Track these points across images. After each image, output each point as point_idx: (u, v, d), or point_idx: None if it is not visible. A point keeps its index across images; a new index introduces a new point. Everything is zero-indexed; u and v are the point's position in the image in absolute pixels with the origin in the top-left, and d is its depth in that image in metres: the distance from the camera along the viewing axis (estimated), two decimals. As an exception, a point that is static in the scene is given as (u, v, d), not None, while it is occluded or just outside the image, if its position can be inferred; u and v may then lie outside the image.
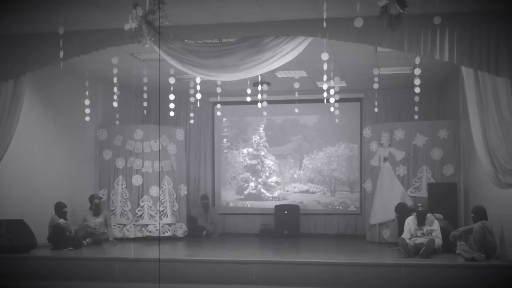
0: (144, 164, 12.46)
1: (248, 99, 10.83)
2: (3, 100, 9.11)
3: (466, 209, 10.95)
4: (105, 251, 10.23)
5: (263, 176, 14.56)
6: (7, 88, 9.13)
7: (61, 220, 10.27)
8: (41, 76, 10.24)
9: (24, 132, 10.08)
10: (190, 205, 13.90)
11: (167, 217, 12.46)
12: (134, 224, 12.22)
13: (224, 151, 14.79)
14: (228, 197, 14.65)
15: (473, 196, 10.44)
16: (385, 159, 11.81)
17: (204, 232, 13.23)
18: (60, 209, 10.43)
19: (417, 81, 9.68)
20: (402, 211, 10.58)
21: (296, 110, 11.80)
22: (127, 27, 6.85)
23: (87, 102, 10.42)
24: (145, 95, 11.51)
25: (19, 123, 9.30)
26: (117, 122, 11.89)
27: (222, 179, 14.73)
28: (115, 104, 10.54)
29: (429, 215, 9.75)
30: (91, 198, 11.48)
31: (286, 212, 13.67)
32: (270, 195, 14.47)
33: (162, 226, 12.34)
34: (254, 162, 14.63)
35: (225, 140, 14.84)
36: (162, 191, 12.55)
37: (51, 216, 10.34)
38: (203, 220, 13.49)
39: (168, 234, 12.41)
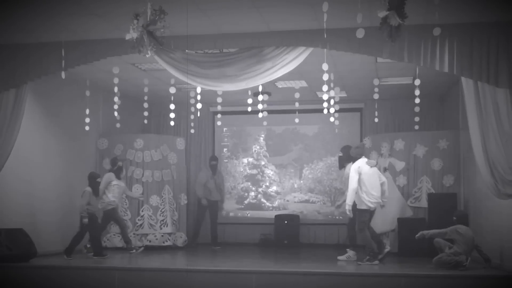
0: (144, 173, 12.46)
1: (249, 109, 10.86)
2: (4, 109, 9.14)
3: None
4: (104, 260, 10.20)
5: (263, 186, 14.56)
6: (8, 97, 9.16)
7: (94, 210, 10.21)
8: (42, 85, 10.25)
9: (24, 141, 10.08)
10: (199, 170, 13.76)
11: (167, 226, 12.44)
12: (134, 234, 12.20)
13: (224, 160, 14.80)
14: (228, 206, 14.63)
15: (473, 206, 10.43)
16: (385, 170, 11.78)
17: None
18: (93, 179, 10.29)
19: (417, 92, 9.73)
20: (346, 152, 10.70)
21: (297, 120, 11.79)
22: (128, 37, 6.89)
23: (87, 111, 10.43)
24: (145, 105, 11.53)
25: (19, 132, 9.33)
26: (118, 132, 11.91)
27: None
28: (115, 114, 10.58)
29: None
30: (114, 161, 11.26)
31: (286, 222, 13.66)
32: (270, 205, 14.47)
33: (162, 236, 12.33)
34: (254, 171, 14.64)
35: (225, 149, 14.85)
36: (162, 200, 12.55)
37: (85, 189, 10.24)
38: (212, 184, 13.16)
39: (168, 243, 12.39)
